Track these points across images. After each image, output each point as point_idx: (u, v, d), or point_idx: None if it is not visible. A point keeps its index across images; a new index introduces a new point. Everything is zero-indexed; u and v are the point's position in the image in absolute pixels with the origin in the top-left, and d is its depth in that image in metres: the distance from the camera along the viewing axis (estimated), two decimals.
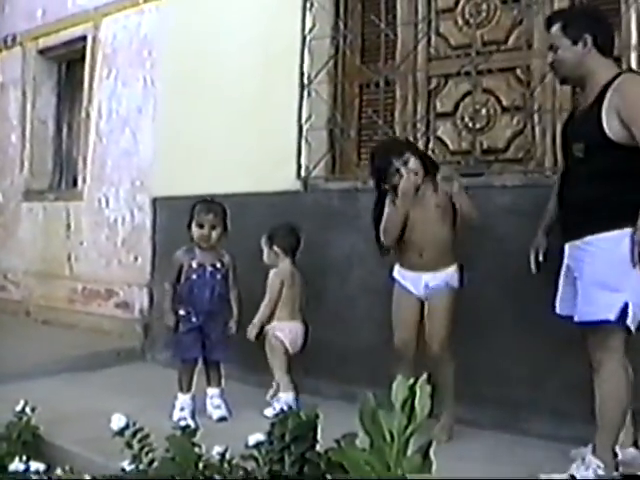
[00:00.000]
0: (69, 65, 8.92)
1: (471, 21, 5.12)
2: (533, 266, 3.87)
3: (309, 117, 5.51)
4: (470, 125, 5.08)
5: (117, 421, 3.50)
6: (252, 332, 4.84)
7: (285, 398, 4.71)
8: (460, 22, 5.23)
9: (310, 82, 5.52)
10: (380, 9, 5.36)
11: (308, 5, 5.55)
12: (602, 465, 3.35)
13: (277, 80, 5.61)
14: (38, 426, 4.19)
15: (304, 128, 5.51)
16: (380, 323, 4.69)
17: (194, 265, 4.74)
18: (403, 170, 4.08)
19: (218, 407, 4.67)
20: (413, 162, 4.15)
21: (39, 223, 8.55)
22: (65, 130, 8.96)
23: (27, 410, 4.22)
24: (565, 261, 3.66)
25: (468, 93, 5.09)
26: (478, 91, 4.99)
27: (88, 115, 7.91)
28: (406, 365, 4.06)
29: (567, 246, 3.62)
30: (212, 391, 4.75)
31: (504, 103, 5.02)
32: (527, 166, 4.82)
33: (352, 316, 5.02)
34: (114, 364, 6.19)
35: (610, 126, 3.35)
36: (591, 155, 3.44)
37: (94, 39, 7.90)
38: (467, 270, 4.27)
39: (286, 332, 4.87)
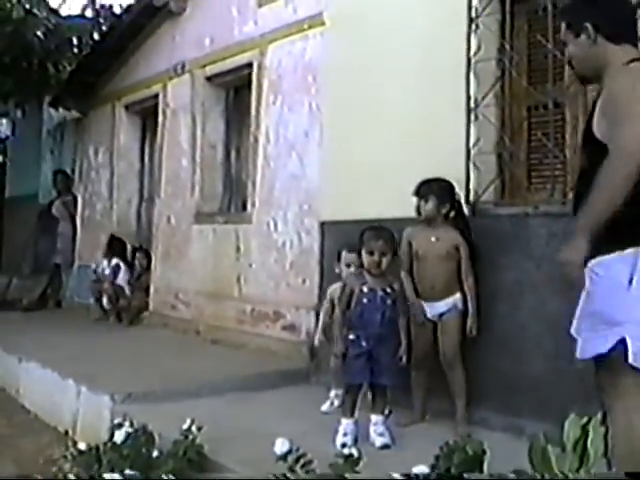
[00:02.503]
0: (236, 91, 9.17)
1: None
2: None
3: (477, 141, 5.39)
4: None
5: (281, 445, 3.55)
6: None
7: None
8: None
9: (477, 105, 5.41)
10: (547, 29, 5.18)
11: (473, 27, 5.45)
12: None
13: (442, 103, 5.54)
14: (203, 445, 4.32)
15: (472, 152, 5.39)
16: (551, 353, 4.56)
17: (365, 290, 4.74)
18: None
19: (381, 435, 4.60)
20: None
21: (209, 245, 8.79)
22: (234, 154, 9.21)
23: (193, 429, 4.38)
24: None
25: None
26: None
27: (256, 140, 8.07)
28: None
29: None
30: (376, 418, 4.69)
31: None
32: None
33: (521, 344, 4.87)
34: (279, 385, 6.25)
35: None
36: None
37: (260, 65, 8.08)
38: None
39: None
